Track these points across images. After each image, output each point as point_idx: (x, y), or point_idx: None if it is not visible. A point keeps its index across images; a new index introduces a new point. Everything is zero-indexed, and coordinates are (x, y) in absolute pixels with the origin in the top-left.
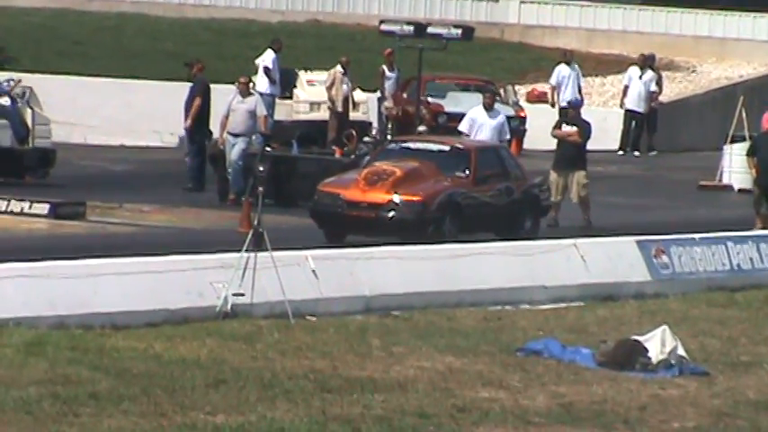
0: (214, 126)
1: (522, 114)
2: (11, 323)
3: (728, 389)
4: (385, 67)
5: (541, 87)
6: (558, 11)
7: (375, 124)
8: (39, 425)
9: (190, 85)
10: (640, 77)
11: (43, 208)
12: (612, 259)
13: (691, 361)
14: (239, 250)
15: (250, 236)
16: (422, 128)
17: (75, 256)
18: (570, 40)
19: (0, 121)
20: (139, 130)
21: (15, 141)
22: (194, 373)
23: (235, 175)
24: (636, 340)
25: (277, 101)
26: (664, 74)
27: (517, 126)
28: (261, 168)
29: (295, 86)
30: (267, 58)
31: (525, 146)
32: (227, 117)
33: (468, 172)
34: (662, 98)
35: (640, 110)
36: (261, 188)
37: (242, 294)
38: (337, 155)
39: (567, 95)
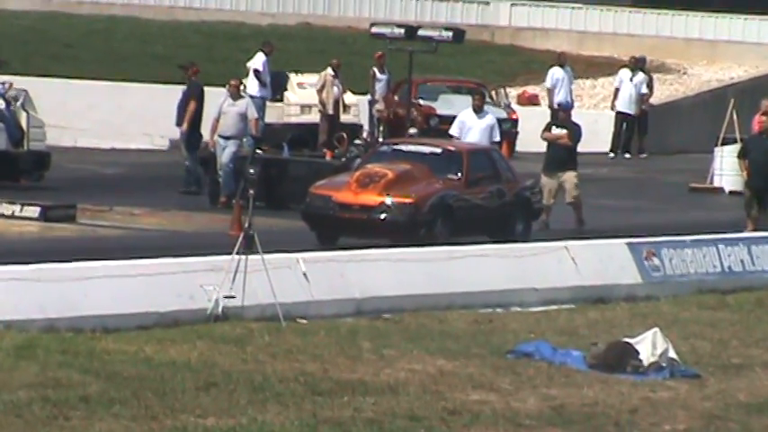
0: (205, 129)
1: (514, 117)
2: (1, 326)
3: (719, 391)
4: (376, 69)
5: (532, 90)
6: (549, 13)
7: (366, 127)
8: (29, 428)
9: (182, 87)
10: (631, 80)
11: (34, 211)
12: (603, 261)
13: (682, 363)
14: (230, 253)
15: (241, 238)
16: (413, 130)
17: (66, 259)
18: (561, 43)
19: None
20: (130, 133)
21: (10, 144)
22: (185, 376)
23: (225, 178)
24: (627, 343)
25: (268, 104)
26: (655, 76)
27: (509, 128)
28: (251, 171)
29: (286, 89)
30: (257, 61)
31: (517, 148)
32: (217, 120)
33: (459, 174)
34: (653, 100)
35: (631, 112)
36: (251, 191)
37: (233, 297)
38: (328, 158)
39: (560, 98)
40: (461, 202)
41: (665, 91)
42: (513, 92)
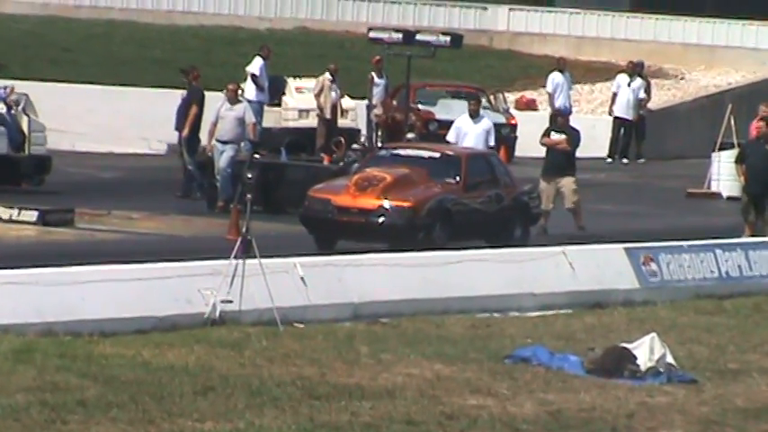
0: (202, 133)
1: (513, 122)
2: None
3: (717, 396)
4: (374, 74)
5: (530, 95)
6: (547, 18)
7: (364, 131)
8: None
9: (181, 92)
10: (629, 85)
11: (31, 215)
12: (601, 267)
13: (679, 368)
14: (228, 257)
15: (238, 243)
16: (410, 135)
17: (64, 264)
18: (559, 48)
19: None
20: (128, 137)
21: (11, 148)
22: (182, 381)
23: (223, 183)
24: (624, 348)
25: (266, 108)
26: (652, 81)
27: (508, 133)
28: (249, 175)
29: (284, 94)
30: (255, 65)
31: (515, 153)
32: (215, 124)
33: (458, 179)
34: (650, 105)
35: (629, 117)
36: (249, 195)
37: (230, 301)
38: (326, 162)
39: (559, 103)
40: (460, 206)
41: (662, 96)
42: (511, 97)
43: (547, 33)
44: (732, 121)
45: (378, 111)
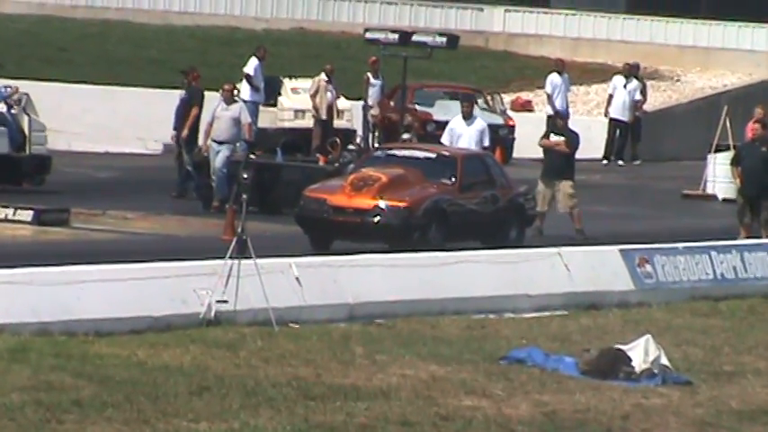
0: (200, 134)
1: (511, 123)
2: None
3: (711, 398)
4: (370, 74)
5: (526, 96)
6: (543, 19)
7: (359, 132)
8: (22, 431)
9: (178, 92)
10: (625, 86)
11: (27, 215)
12: (596, 268)
13: (674, 370)
14: (223, 257)
15: (234, 243)
16: (405, 135)
17: (59, 263)
18: (555, 49)
19: None
20: (124, 137)
21: (12, 148)
22: (177, 381)
23: (219, 183)
24: (619, 349)
25: (261, 108)
26: (648, 83)
27: (506, 135)
28: (245, 176)
29: (280, 94)
30: (250, 66)
31: (512, 154)
32: (211, 124)
33: (454, 179)
34: (646, 107)
35: (625, 119)
36: (245, 195)
37: (225, 302)
38: (321, 163)
39: (557, 105)
40: (455, 206)
41: (658, 98)
42: (507, 98)
43: (543, 34)
44: (728, 123)
45: (374, 111)
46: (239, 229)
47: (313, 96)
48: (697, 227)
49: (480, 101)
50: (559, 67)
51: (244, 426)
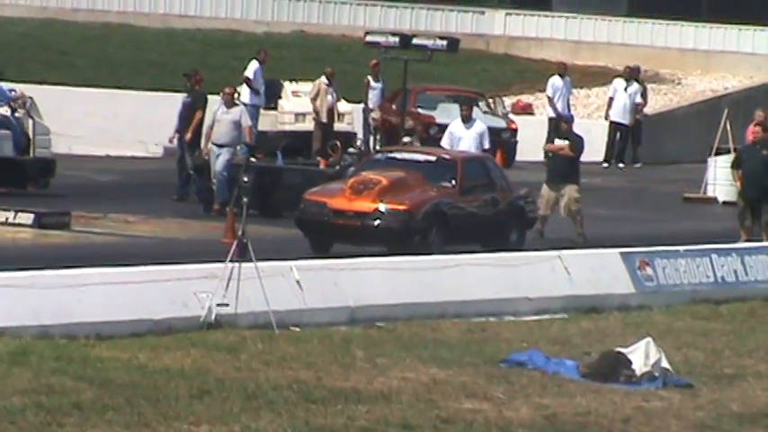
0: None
1: (514, 126)
2: None
3: (712, 401)
4: (370, 78)
5: (526, 99)
6: (544, 22)
7: (360, 135)
8: None
9: (179, 95)
10: (625, 89)
11: (27, 218)
12: (597, 271)
13: (674, 373)
14: (224, 260)
15: (234, 246)
16: (406, 138)
17: (60, 266)
18: (555, 52)
19: (2, 131)
20: (125, 140)
21: (16, 152)
22: (178, 384)
23: (219, 186)
24: (620, 352)
25: (262, 111)
26: (649, 86)
27: (509, 138)
28: (245, 179)
29: (280, 97)
30: (250, 69)
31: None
32: (211, 128)
33: (454, 182)
34: (647, 110)
35: (625, 122)
36: (245, 199)
37: (226, 305)
38: (322, 166)
39: (558, 108)
40: (455, 209)
41: (659, 101)
42: (508, 101)
43: (543, 38)
44: (728, 126)
45: (375, 114)
46: (240, 233)
47: (313, 99)
48: (698, 230)
49: (482, 104)
50: (561, 69)
51: (244, 429)
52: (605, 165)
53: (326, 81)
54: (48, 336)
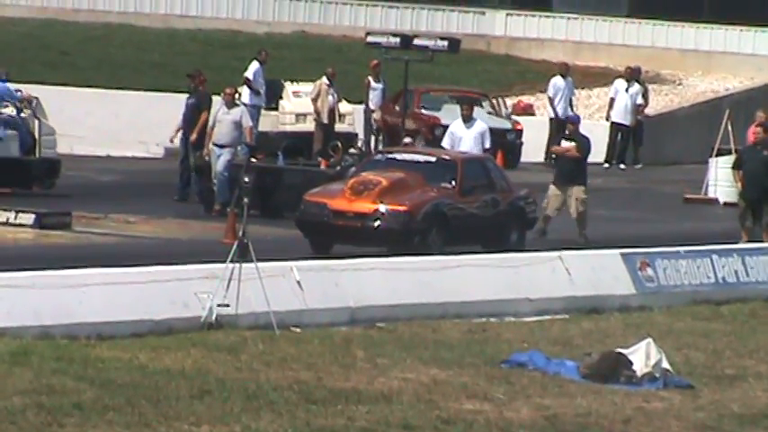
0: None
1: (519, 127)
2: None
3: (713, 402)
4: (371, 78)
5: (527, 100)
6: (545, 23)
7: (361, 136)
8: None
9: (184, 95)
10: (626, 90)
11: (28, 218)
12: (597, 272)
13: (675, 374)
14: (224, 261)
15: (235, 247)
16: (407, 139)
17: (61, 267)
18: (556, 53)
19: (9, 131)
20: (126, 140)
21: (22, 152)
22: (179, 384)
23: (220, 186)
24: (620, 353)
25: (263, 112)
26: (650, 87)
27: (514, 139)
28: (246, 179)
29: (281, 98)
30: (250, 70)
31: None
32: (212, 128)
33: (454, 183)
34: (648, 111)
35: (626, 123)
36: (246, 199)
37: (227, 305)
38: (323, 166)
39: (559, 108)
40: (456, 210)
41: (660, 101)
42: (509, 101)
43: (545, 38)
44: (729, 127)
45: (376, 115)
46: (240, 233)
47: (314, 100)
48: (698, 230)
49: (486, 104)
50: (563, 70)
51: (245, 429)
52: (606, 165)
53: (327, 81)
54: (48, 336)
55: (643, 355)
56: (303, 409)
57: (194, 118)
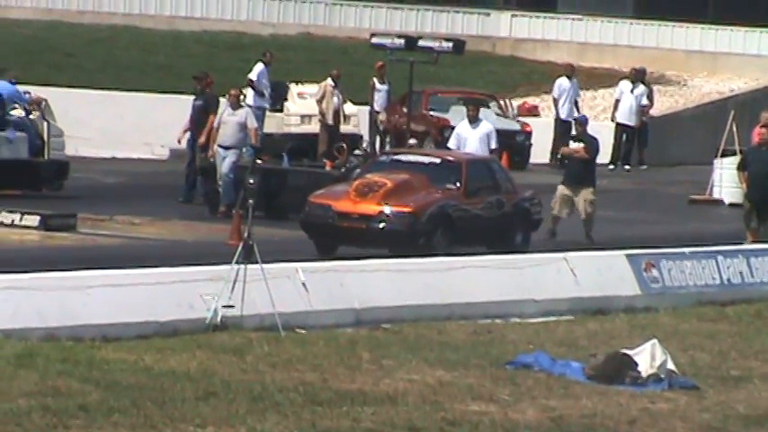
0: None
1: (528, 129)
2: (1, 335)
3: (718, 403)
4: (376, 80)
5: (532, 101)
6: (550, 24)
7: (366, 137)
8: None
9: (186, 97)
10: (632, 91)
11: (34, 220)
12: (602, 273)
13: (680, 375)
14: (229, 263)
15: (240, 248)
16: (412, 141)
17: (66, 268)
18: (561, 54)
19: (18, 133)
20: (131, 142)
21: (31, 154)
22: (184, 386)
23: (225, 188)
24: (625, 354)
25: (268, 114)
26: (655, 88)
27: (522, 141)
28: (251, 181)
29: (286, 99)
30: (254, 71)
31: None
32: (217, 130)
33: (459, 184)
34: (653, 112)
35: (631, 124)
36: (251, 201)
37: (232, 307)
38: (328, 168)
39: (564, 109)
40: (460, 212)
41: (665, 102)
42: (514, 103)
43: (550, 39)
44: (734, 128)
45: (381, 117)
46: (246, 235)
47: (319, 101)
48: (704, 231)
49: (493, 106)
50: (569, 71)
51: (250, 431)
52: (611, 167)
53: (332, 83)
54: (54, 338)
55: (648, 357)
56: (308, 410)
57: (202, 120)
